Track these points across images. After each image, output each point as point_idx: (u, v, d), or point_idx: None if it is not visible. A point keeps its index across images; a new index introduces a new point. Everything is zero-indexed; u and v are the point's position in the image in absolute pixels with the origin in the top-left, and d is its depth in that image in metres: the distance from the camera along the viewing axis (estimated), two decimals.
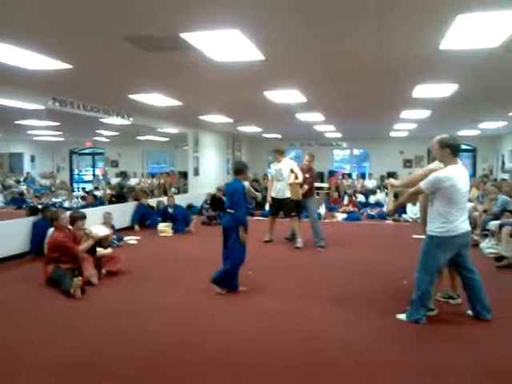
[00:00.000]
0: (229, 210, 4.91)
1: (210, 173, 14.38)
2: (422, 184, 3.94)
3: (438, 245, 3.90)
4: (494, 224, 7.26)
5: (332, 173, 17.75)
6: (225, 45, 4.31)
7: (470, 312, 4.14)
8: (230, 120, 11.21)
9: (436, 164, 4.13)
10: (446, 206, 3.83)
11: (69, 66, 5.25)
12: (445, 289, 4.58)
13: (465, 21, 3.64)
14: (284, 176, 7.55)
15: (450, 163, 3.90)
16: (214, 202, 11.42)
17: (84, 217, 5.74)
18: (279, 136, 16.71)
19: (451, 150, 3.90)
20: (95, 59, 5.15)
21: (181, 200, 11.36)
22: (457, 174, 3.84)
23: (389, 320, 4.07)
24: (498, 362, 3.28)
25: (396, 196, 5.10)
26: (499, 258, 6.35)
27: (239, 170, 5.09)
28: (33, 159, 15.17)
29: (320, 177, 16.38)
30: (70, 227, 5.57)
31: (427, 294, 3.98)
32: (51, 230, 5.67)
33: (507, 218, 7.07)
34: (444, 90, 6.96)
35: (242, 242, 4.84)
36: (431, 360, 3.27)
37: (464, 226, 3.92)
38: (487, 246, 7.19)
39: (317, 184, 12.41)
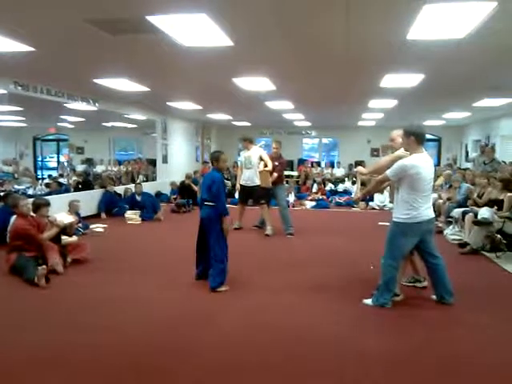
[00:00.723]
0: (207, 203, 4.65)
1: (178, 160, 14.22)
2: (388, 172, 4.01)
3: (403, 231, 3.99)
4: (457, 211, 7.47)
5: (301, 161, 17.86)
6: (192, 29, 4.24)
7: (433, 296, 4.26)
8: (199, 107, 11.10)
9: (403, 151, 4.20)
10: (410, 193, 3.91)
11: (31, 49, 5.07)
12: (410, 274, 4.69)
13: (431, 11, 3.68)
14: (253, 164, 7.55)
15: (416, 151, 3.97)
16: (183, 189, 11.34)
17: (48, 204, 5.60)
18: (249, 124, 16.66)
19: (416, 138, 3.96)
20: (58, 42, 4.98)
21: (149, 188, 11.22)
22: (422, 162, 3.92)
23: (356, 306, 4.14)
24: (460, 345, 3.39)
25: (363, 184, 5.16)
26: (463, 245, 6.54)
27: (216, 158, 4.78)
28: None
29: (289, 165, 16.47)
30: (33, 215, 5.42)
31: (393, 278, 4.08)
32: (14, 217, 5.51)
33: (470, 205, 7.28)
34: (411, 80, 7.06)
35: (226, 234, 4.63)
36: (396, 345, 3.34)
37: (428, 212, 4.01)
38: (451, 232, 7.41)
39: (286, 172, 12.49)
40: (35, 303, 4.22)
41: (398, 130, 4.38)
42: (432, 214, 4.08)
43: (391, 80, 7.07)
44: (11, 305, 4.21)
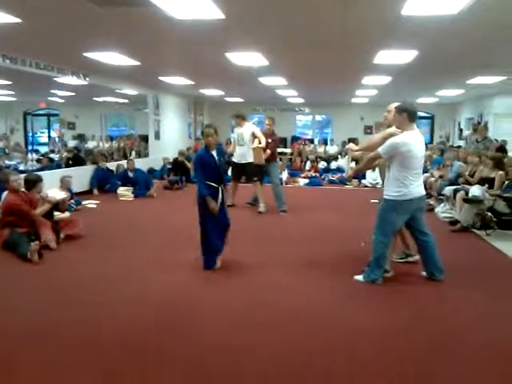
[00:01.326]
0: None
1: (171, 137, 14.13)
2: (379, 149, 4.01)
3: (393, 208, 4.02)
4: (449, 189, 7.51)
5: (295, 138, 17.79)
6: (183, 1, 4.16)
7: (423, 273, 4.31)
8: (191, 82, 10.97)
9: (394, 129, 4.20)
10: (402, 170, 3.92)
11: (18, 20, 4.96)
12: (400, 250, 4.75)
13: None
14: (245, 141, 7.51)
15: (407, 129, 3.97)
16: (176, 166, 11.31)
17: (40, 180, 5.56)
18: (242, 100, 16.53)
19: (408, 115, 3.96)
20: (46, 13, 4.87)
21: (142, 164, 11.17)
22: (413, 139, 3.92)
23: (348, 282, 4.19)
24: (450, 322, 3.43)
25: (356, 161, 5.17)
26: (453, 223, 6.60)
27: (202, 133, 4.59)
28: None
29: (283, 142, 16.42)
30: (26, 191, 5.39)
31: (383, 255, 4.12)
32: (5, 193, 5.47)
33: (462, 183, 7.33)
34: (405, 56, 7.02)
35: (213, 212, 4.41)
36: (387, 322, 3.39)
37: (419, 190, 4.03)
38: (442, 210, 7.47)
39: (279, 149, 12.46)
40: (28, 279, 4.23)
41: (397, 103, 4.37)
42: (423, 192, 4.11)
43: (385, 56, 7.01)
44: (4, 280, 4.22)
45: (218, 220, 4.51)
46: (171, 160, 11.92)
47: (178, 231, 6.13)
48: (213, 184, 4.42)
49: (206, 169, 4.41)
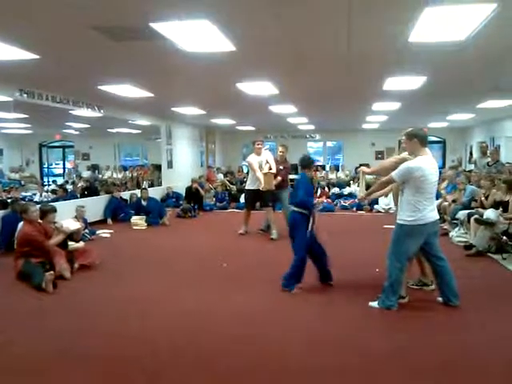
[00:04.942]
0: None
1: (183, 165, 14.29)
2: (393, 174, 4.02)
3: (407, 233, 3.99)
4: (462, 213, 7.45)
5: None
6: (195, 35, 4.28)
7: (439, 299, 4.25)
8: (203, 112, 11.15)
9: (407, 154, 4.21)
10: (415, 195, 3.91)
11: (36, 56, 5.14)
12: (417, 277, 4.69)
13: (432, 13, 3.71)
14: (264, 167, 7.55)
15: (420, 154, 3.98)
16: (190, 194, 11.38)
17: (54, 210, 5.64)
18: (253, 128, 16.71)
19: (419, 140, 3.99)
20: (63, 49, 5.05)
21: (155, 193, 11.28)
22: (427, 164, 3.93)
23: (362, 308, 4.14)
24: (466, 348, 3.37)
25: (369, 186, 5.16)
26: (468, 247, 6.51)
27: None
28: (1, 153, 14.79)
29: (294, 169, 16.47)
30: (40, 221, 5.47)
31: (398, 281, 4.08)
32: (21, 224, 5.56)
33: (475, 207, 7.26)
34: (413, 82, 7.08)
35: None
36: (399, 344, 3.36)
37: (432, 214, 4.01)
38: (456, 234, 7.38)
39: (291, 176, 12.50)
40: (43, 309, 4.25)
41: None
42: (437, 216, 4.09)
43: (394, 83, 7.09)
44: (19, 309, 4.23)
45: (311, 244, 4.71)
46: (173, 190, 12.12)
47: (192, 258, 6.14)
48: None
49: (308, 192, 4.68)
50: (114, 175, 14.47)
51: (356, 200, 11.73)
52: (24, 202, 6.58)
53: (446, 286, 4.16)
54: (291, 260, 4.67)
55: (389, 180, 4.14)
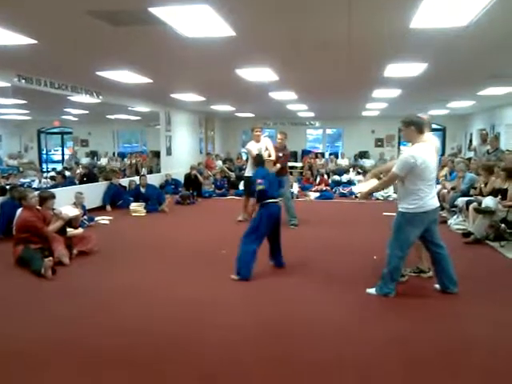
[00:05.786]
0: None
1: (182, 152, 14.25)
2: (394, 170, 3.96)
3: (409, 221, 3.98)
4: (461, 201, 7.46)
5: (305, 152, 17.83)
6: (194, 20, 4.24)
7: (437, 286, 4.26)
8: (202, 98, 11.09)
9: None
10: (416, 183, 3.89)
11: (33, 41, 5.09)
12: (415, 264, 4.70)
13: None
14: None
15: (418, 141, 3.96)
16: (189, 181, 11.37)
17: (53, 196, 5.64)
18: (252, 115, 16.64)
19: (416, 127, 3.96)
20: (60, 34, 4.99)
21: (154, 180, 11.27)
22: (423, 151, 3.90)
23: (360, 294, 4.17)
24: (464, 336, 3.39)
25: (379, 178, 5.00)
26: (466, 234, 6.54)
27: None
28: None
29: (293, 156, 16.46)
30: (39, 207, 5.47)
31: (398, 269, 4.09)
32: (20, 210, 5.56)
33: (474, 195, 7.26)
34: (414, 69, 7.03)
35: None
36: (397, 333, 3.37)
37: (433, 202, 4.00)
38: (455, 222, 7.40)
39: (290, 163, 12.48)
40: (42, 295, 4.27)
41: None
42: (437, 203, 4.08)
43: (394, 69, 7.03)
44: (18, 295, 4.25)
45: None
46: (172, 176, 12.06)
47: (190, 245, 6.15)
48: None
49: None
50: (111, 163, 14.41)
51: (353, 189, 11.75)
52: (23, 189, 6.56)
53: (445, 273, 4.17)
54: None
55: (392, 177, 4.06)
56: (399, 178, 4.00)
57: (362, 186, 5.16)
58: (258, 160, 5.47)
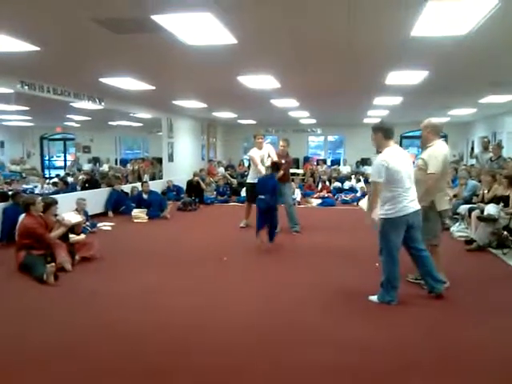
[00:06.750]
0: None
1: (184, 159, 14.29)
2: (373, 179, 4.00)
3: (391, 226, 3.98)
4: (463, 208, 7.45)
5: (307, 159, 17.85)
6: (197, 28, 4.27)
7: (425, 287, 4.26)
8: (204, 105, 11.13)
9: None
10: (391, 187, 3.91)
11: (36, 48, 5.13)
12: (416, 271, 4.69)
13: (435, 7, 3.69)
14: (265, 161, 7.54)
15: (385, 146, 4.02)
16: (191, 187, 11.39)
17: (56, 202, 5.66)
18: (254, 122, 16.68)
19: (383, 133, 4.03)
20: (64, 41, 5.04)
21: (156, 186, 11.29)
22: (392, 154, 3.95)
23: (362, 302, 4.16)
24: (464, 342, 3.38)
25: None
26: (469, 242, 6.51)
27: None
28: (2, 145, 14.80)
29: (295, 163, 16.48)
30: (42, 214, 5.48)
31: (393, 274, 4.06)
32: (22, 215, 5.58)
33: (477, 202, 7.25)
34: (415, 77, 7.06)
35: None
36: (400, 342, 3.36)
37: (413, 204, 4.00)
38: (457, 229, 7.38)
39: (292, 170, 12.50)
40: (44, 300, 4.27)
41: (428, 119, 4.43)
42: (417, 207, 4.06)
43: (396, 77, 7.06)
44: (21, 301, 4.25)
45: None
46: (174, 183, 12.10)
47: (192, 250, 6.15)
48: None
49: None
50: (113, 168, 14.46)
51: (357, 195, 11.73)
52: (30, 195, 6.59)
53: (428, 273, 4.17)
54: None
55: (375, 187, 4.02)
56: (381, 185, 3.97)
57: (363, 202, 5.21)
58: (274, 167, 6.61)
